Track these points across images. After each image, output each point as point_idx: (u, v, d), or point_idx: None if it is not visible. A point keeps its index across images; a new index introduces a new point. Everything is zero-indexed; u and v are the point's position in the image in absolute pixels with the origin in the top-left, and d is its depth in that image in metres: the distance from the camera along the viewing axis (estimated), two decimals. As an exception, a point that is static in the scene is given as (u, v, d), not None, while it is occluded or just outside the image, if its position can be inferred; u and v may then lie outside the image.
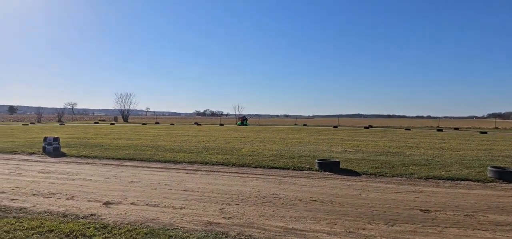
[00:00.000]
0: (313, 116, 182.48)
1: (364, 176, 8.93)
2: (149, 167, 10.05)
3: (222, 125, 50.33)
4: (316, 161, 10.04)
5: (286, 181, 8.12)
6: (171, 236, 4.24)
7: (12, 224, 4.62)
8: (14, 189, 6.88)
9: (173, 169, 9.80)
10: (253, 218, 5.14)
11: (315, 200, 6.28)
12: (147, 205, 5.85)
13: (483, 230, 4.68)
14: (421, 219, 5.18)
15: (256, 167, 10.05)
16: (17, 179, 8.04)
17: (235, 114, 67.73)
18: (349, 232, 4.57)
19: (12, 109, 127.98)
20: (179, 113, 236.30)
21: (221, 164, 10.47)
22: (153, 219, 5.02)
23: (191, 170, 9.60)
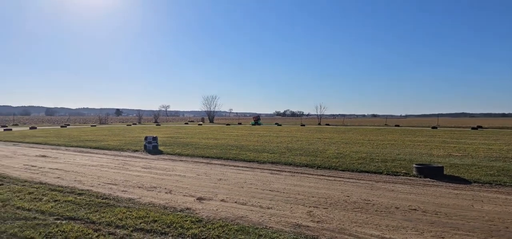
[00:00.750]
0: (406, 116, 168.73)
1: (475, 184, 7.86)
2: (235, 166, 10.57)
3: (303, 125, 50.09)
4: (414, 165, 9.16)
5: (378, 186, 7.68)
6: (261, 235, 4.41)
7: (123, 212, 5.35)
8: (123, 182, 7.97)
9: (258, 168, 10.12)
10: (344, 223, 5.01)
11: (415, 209, 5.80)
12: (235, 202, 6.18)
13: None
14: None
15: (343, 170, 9.70)
16: (125, 173, 9.25)
17: (317, 115, 66.33)
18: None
19: (118, 112, 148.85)
20: (260, 114, 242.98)
21: (306, 166, 10.43)
22: (242, 216, 5.29)
23: (275, 170, 9.79)
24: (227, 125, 51.35)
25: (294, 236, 4.39)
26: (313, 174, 9.21)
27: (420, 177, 8.59)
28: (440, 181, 8.22)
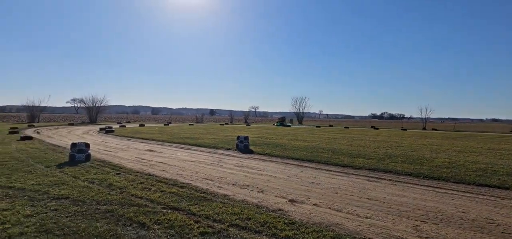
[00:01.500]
0: None
1: None
2: (327, 170, 10.35)
3: (405, 129, 46.37)
4: None
5: (505, 204, 6.61)
6: None
7: (220, 207, 5.72)
8: (218, 178, 8.51)
9: (353, 174, 9.72)
10: None
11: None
12: (329, 208, 6.05)
13: None
14: None
15: (456, 183, 8.60)
16: (220, 169, 9.88)
17: (421, 118, 60.48)
18: None
19: (212, 112, 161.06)
20: (353, 117, 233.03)
21: (409, 174, 9.58)
22: (337, 223, 5.15)
23: (372, 177, 9.26)
24: (317, 127, 50.69)
25: None
26: (418, 184, 8.42)
27: None
28: None
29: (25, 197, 6.12)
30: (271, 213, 5.57)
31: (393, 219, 5.50)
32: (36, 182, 7.34)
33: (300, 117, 78.10)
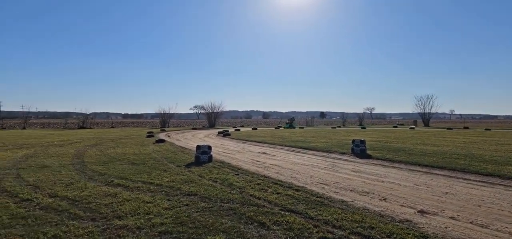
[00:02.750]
0: None
1: None
2: (465, 179, 9.06)
3: None
4: None
5: None
6: None
7: (338, 213, 5.59)
8: (334, 183, 8.35)
9: (500, 184, 8.28)
10: None
11: None
12: (471, 223, 5.29)
13: None
14: None
15: None
16: (335, 174, 9.67)
17: None
18: None
19: (322, 114, 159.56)
20: (495, 116, 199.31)
21: None
22: (483, 242, 4.45)
23: (527, 189, 7.73)
24: (449, 129, 44.93)
25: None
26: None
27: None
28: None
29: (163, 192, 7.14)
30: (397, 223, 5.18)
31: None
32: (170, 179, 8.49)
33: (426, 118, 70.49)
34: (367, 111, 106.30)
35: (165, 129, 47.00)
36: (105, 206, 6.07)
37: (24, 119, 58.98)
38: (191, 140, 24.87)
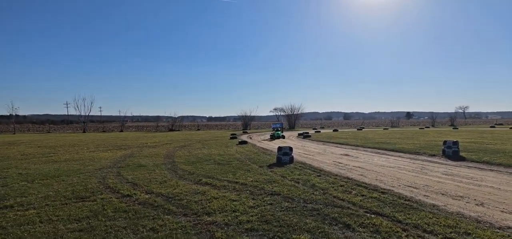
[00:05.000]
0: None
1: None
2: None
3: None
4: None
5: None
6: None
7: (429, 218, 5.33)
8: (424, 186, 7.88)
9: None
10: None
11: None
12: None
13: None
14: None
15: None
16: (424, 177, 9.09)
17: None
18: None
19: (408, 115, 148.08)
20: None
21: None
22: None
23: None
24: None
25: None
26: None
27: None
28: None
29: (247, 191, 7.49)
30: (497, 230, 4.77)
31: None
32: (254, 179, 8.88)
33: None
34: (460, 110, 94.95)
35: (247, 131, 48.71)
36: (195, 203, 6.49)
37: (121, 123, 66.68)
38: (272, 142, 25.45)
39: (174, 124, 62.84)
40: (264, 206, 6.24)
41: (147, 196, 7.18)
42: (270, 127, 42.73)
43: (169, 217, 5.71)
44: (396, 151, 15.79)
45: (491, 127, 50.20)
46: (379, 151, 16.46)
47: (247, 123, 61.18)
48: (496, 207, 6.01)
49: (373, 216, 5.51)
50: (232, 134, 33.16)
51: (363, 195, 6.92)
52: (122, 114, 72.78)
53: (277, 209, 5.99)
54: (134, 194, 7.42)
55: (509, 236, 4.50)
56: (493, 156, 12.72)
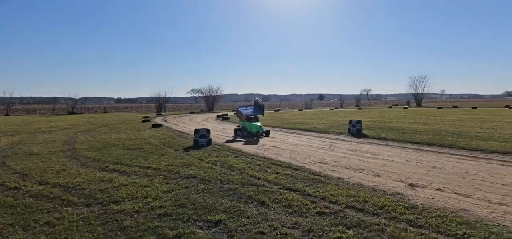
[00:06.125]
0: None
1: None
2: (451, 154, 9.38)
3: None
4: None
5: None
6: (492, 232, 3.91)
7: (335, 190, 5.82)
8: (331, 162, 8.59)
9: (482, 158, 8.63)
10: None
11: None
12: (455, 193, 5.60)
13: None
14: None
15: None
16: (332, 154, 9.92)
17: None
18: None
19: (321, 97, 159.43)
20: (482, 95, 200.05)
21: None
22: (465, 209, 4.77)
23: (508, 162, 8.05)
24: (439, 108, 45.23)
25: None
26: None
27: None
28: None
29: (161, 176, 7.18)
30: (389, 196, 5.43)
31: None
32: (168, 163, 8.55)
33: (418, 98, 70.74)
34: (364, 93, 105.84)
35: (161, 113, 46.78)
36: (101, 192, 6.01)
37: (7, 105, 56.22)
38: (188, 124, 24.99)
39: (74, 107, 56.81)
40: (179, 190, 6.06)
41: (40, 188, 6.43)
42: (187, 109, 40.31)
43: (68, 208, 5.17)
44: (309, 131, 16.89)
45: (388, 107, 56.93)
46: (293, 131, 17.42)
47: (161, 104, 58.64)
48: (389, 177, 6.86)
49: (286, 191, 5.81)
50: (144, 117, 31.43)
51: (277, 173, 7.24)
52: (7, 95, 62.36)
53: (192, 192, 5.88)
54: (24, 186, 6.60)
55: (398, 200, 5.18)
56: (388, 132, 14.46)
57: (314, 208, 4.93)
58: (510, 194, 5.45)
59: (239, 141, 13.42)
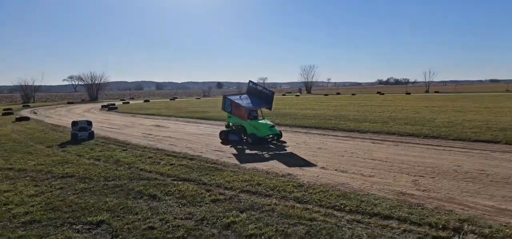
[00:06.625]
0: None
1: None
2: (334, 135, 10.54)
3: (409, 93, 46.11)
4: None
5: (495, 156, 7.07)
6: (363, 201, 4.49)
7: (231, 176, 5.92)
8: (228, 149, 8.75)
9: (359, 138, 9.95)
10: (453, 193, 4.87)
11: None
12: (336, 170, 6.31)
13: None
14: None
15: (454, 140, 9.06)
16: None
17: (425, 82, 59.68)
18: None
19: (219, 85, 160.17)
20: (360, 83, 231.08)
21: (411, 135, 9.95)
22: (343, 183, 5.40)
23: (377, 140, 9.48)
24: (325, 95, 50.41)
25: (398, 203, 4.39)
26: (419, 144, 8.76)
27: None
28: None
29: (27, 178, 6.21)
30: (280, 178, 5.78)
31: (394, 175, 5.84)
32: (38, 162, 7.43)
33: (308, 86, 77.44)
34: (261, 81, 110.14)
35: (29, 104, 40.53)
36: None
37: None
38: (66, 116, 22.35)
39: None
40: (51, 192, 5.30)
41: None
42: (65, 99, 35.43)
43: None
44: (207, 119, 16.83)
45: (282, 95, 60.75)
46: (191, 120, 17.11)
47: (29, 94, 50.25)
48: (281, 160, 7.32)
49: (180, 182, 5.64)
50: (5, 109, 26.29)
51: (172, 164, 6.97)
52: None
53: (69, 193, 5.21)
54: None
55: (288, 180, 5.57)
56: (282, 118, 15.40)
57: (209, 196, 4.90)
58: (378, 167, 6.41)
59: (119, 131, 12.51)
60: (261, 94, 10.71)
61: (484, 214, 4.04)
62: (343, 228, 3.72)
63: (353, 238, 3.51)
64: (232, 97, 10.40)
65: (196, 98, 53.00)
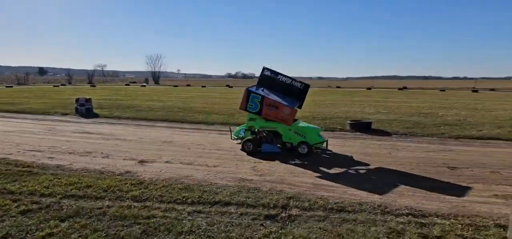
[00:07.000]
0: (347, 79, 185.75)
1: (395, 136, 9.32)
2: (182, 128, 10.36)
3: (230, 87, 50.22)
4: (348, 122, 10.54)
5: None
6: (205, 191, 4.48)
7: (50, 180, 4.92)
8: (49, 148, 7.34)
9: (206, 130, 10.09)
10: (284, 175, 5.51)
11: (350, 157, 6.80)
12: (181, 163, 6.15)
13: (508, 185, 5.03)
14: (448, 175, 5.55)
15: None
16: (52, 138, 8.58)
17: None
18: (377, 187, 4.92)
19: (41, 70, 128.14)
20: (210, 76, 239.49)
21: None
22: (187, 176, 5.27)
23: (224, 131, 9.73)
24: (175, 86, 49.57)
25: (238, 189, 4.61)
26: None
27: (352, 131, 9.84)
28: (368, 134, 9.51)
29: None
30: (117, 176, 5.18)
31: (237, 164, 6.20)
32: None
33: (156, 76, 74.78)
34: (99, 68, 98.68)
35: None
36: None
37: None
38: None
39: None
40: None
41: None
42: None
43: None
44: (22, 113, 13.97)
45: (126, 85, 56.33)
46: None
47: None
48: (120, 156, 6.61)
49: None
50: None
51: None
52: None
53: None
54: None
55: (125, 179, 5.00)
56: (123, 111, 14.21)
57: (16, 207, 3.92)
58: (223, 157, 6.58)
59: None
60: (285, 87, 7.51)
61: (306, 190, 4.70)
62: (183, 221, 3.60)
63: (192, 229, 3.43)
64: (261, 92, 7.36)
65: (7, 86, 41.27)
